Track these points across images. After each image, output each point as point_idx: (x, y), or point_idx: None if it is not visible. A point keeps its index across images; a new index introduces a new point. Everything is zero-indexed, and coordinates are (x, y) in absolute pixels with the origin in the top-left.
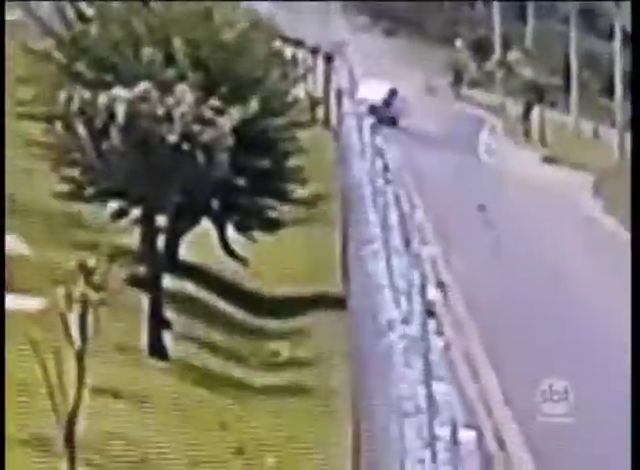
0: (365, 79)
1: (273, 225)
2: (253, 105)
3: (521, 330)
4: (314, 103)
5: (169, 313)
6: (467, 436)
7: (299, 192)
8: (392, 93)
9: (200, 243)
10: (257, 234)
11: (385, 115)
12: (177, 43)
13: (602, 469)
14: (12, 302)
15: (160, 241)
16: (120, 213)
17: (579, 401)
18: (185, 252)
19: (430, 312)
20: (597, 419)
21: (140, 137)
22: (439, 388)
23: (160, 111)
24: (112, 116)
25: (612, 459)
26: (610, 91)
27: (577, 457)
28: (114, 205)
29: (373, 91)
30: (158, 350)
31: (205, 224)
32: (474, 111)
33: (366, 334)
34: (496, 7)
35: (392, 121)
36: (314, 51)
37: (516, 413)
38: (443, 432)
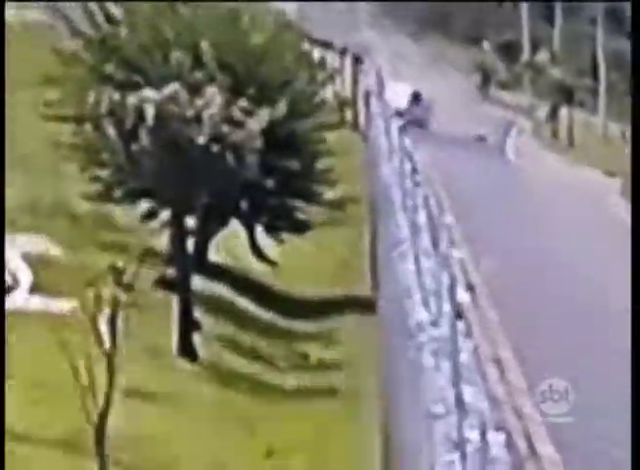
0: (389, 83)
1: (302, 227)
2: (282, 106)
3: (548, 331)
4: (342, 104)
5: (199, 315)
6: (496, 438)
7: (328, 194)
8: (416, 97)
9: (229, 244)
10: (286, 236)
11: (411, 119)
12: (205, 46)
13: (602, 469)
14: (42, 303)
15: (190, 242)
16: (150, 215)
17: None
18: (214, 253)
19: (459, 314)
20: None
21: (169, 138)
22: (468, 390)
23: (190, 112)
24: (141, 117)
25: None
26: None
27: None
28: (143, 206)
29: (397, 95)
30: (187, 351)
31: (235, 226)
32: (502, 112)
33: (395, 336)
34: (524, 8)
35: (419, 125)
36: (342, 53)
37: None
38: (473, 434)
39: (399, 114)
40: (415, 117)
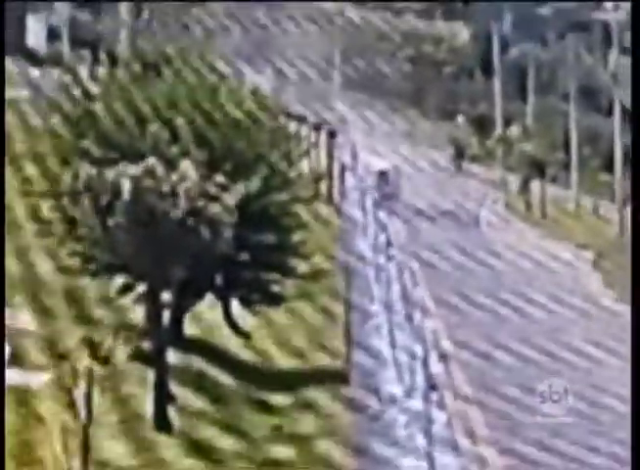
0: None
1: (277, 299)
2: (257, 181)
3: (522, 399)
4: (317, 178)
5: (174, 387)
6: None
7: (303, 266)
8: (382, 174)
9: (204, 318)
10: (261, 308)
11: (380, 194)
12: (181, 121)
13: (602, 469)
14: (17, 376)
15: (165, 316)
16: (126, 289)
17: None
18: (190, 327)
19: (432, 386)
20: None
21: (145, 213)
22: (442, 460)
23: (166, 187)
24: (117, 192)
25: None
26: (610, 167)
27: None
28: (119, 280)
29: (366, 173)
30: (163, 423)
31: (210, 299)
32: (475, 185)
33: (369, 408)
34: (496, 84)
35: (389, 198)
36: (317, 127)
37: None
38: None
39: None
40: (384, 193)
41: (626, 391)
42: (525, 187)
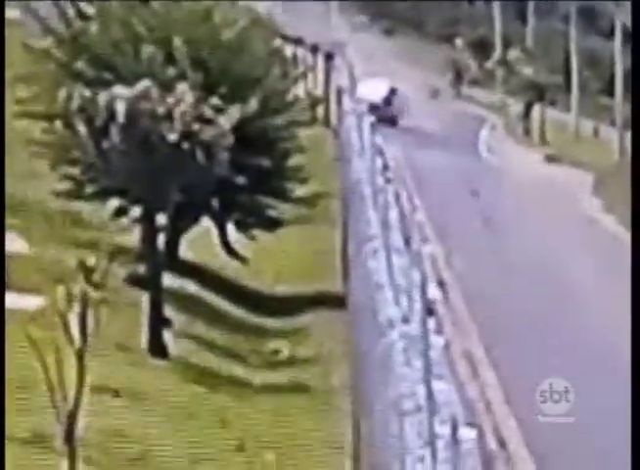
0: (365, 78)
1: (273, 224)
2: (253, 104)
3: (520, 328)
4: (314, 101)
5: (169, 312)
6: (467, 434)
7: (299, 191)
8: (392, 92)
9: (200, 241)
10: (257, 233)
11: (385, 114)
12: (177, 42)
13: (602, 469)
14: (11, 300)
15: (161, 240)
16: (120, 212)
17: (579, 401)
18: (185, 250)
19: (430, 311)
20: (597, 419)
21: (140, 136)
22: (439, 386)
23: (161, 109)
24: (112, 114)
25: (612, 459)
26: (610, 90)
27: (577, 457)
28: (114, 203)
29: (373, 90)
30: (157, 348)
31: (206, 223)
32: (474, 110)
33: (366, 332)
34: (496, 6)
35: (393, 120)
36: (314, 49)
37: (515, 412)
38: (443, 430)
39: (374, 109)
40: (390, 114)
41: (620, 320)
42: (527, 112)
